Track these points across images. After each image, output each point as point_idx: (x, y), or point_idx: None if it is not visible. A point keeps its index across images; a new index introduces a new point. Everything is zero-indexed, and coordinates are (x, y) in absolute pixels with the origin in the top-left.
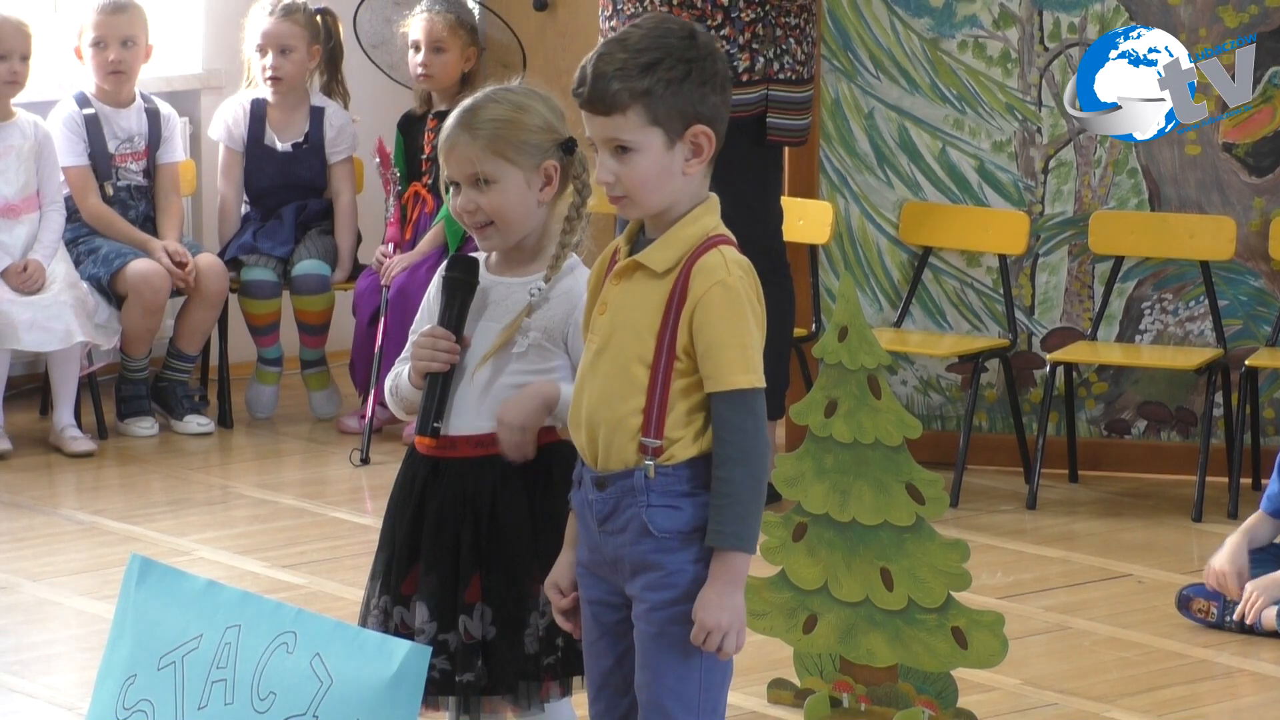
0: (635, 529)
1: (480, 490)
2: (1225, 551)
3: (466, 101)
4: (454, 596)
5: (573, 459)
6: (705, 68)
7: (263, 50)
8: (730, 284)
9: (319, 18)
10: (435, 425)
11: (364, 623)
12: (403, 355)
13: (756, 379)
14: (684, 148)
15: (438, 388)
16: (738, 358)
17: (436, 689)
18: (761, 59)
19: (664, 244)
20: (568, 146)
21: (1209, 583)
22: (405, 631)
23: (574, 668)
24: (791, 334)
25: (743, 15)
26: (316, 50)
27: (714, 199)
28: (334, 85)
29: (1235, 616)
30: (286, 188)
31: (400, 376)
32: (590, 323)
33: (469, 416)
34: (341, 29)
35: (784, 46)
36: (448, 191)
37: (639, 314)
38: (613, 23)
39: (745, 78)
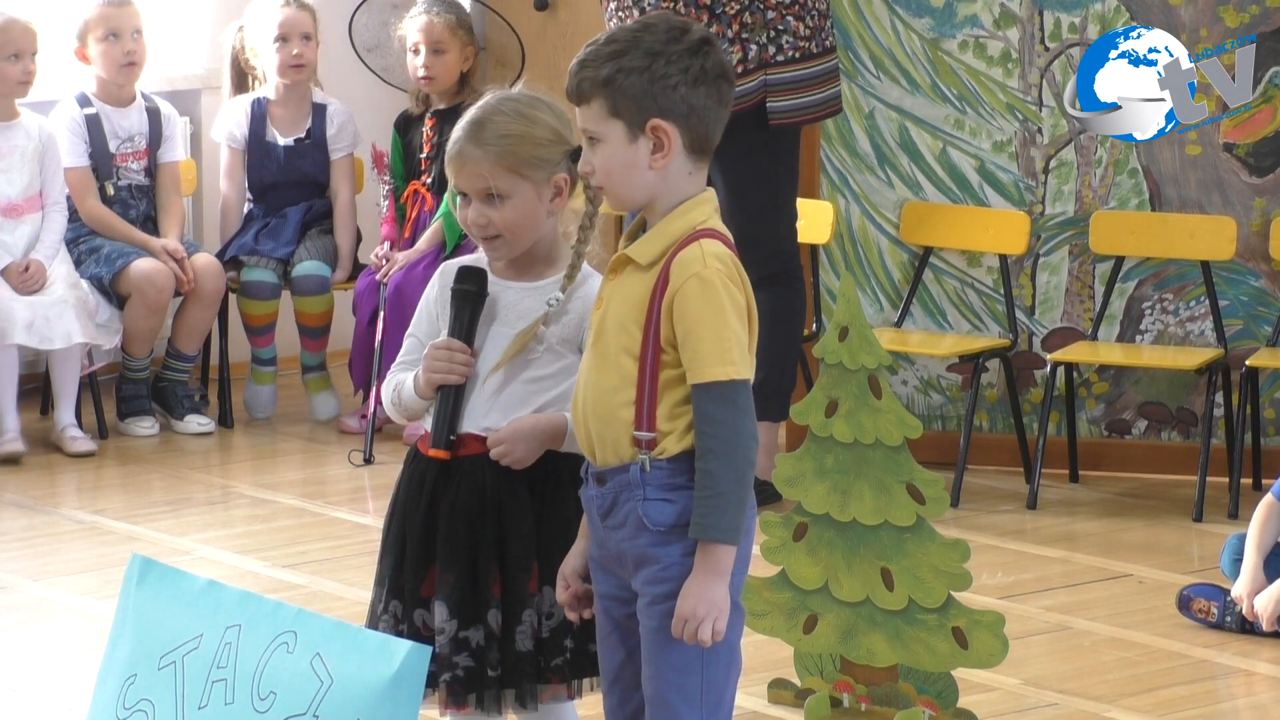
0: (633, 523)
1: (493, 485)
2: (1245, 576)
3: (473, 112)
4: (474, 593)
5: (579, 460)
6: (674, 61)
7: (284, 39)
8: (706, 276)
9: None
10: (452, 438)
11: (373, 629)
12: (399, 360)
13: (734, 370)
14: (646, 141)
15: (451, 400)
16: (713, 350)
17: (464, 687)
18: (754, 46)
19: (651, 237)
20: (576, 155)
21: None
22: (427, 633)
23: (582, 670)
24: (801, 337)
25: (727, 9)
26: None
27: (708, 193)
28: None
29: (1266, 627)
30: (290, 184)
31: (405, 385)
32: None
33: (479, 417)
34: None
35: (780, 27)
36: (450, 195)
37: (626, 307)
38: (611, 24)
39: (740, 69)
